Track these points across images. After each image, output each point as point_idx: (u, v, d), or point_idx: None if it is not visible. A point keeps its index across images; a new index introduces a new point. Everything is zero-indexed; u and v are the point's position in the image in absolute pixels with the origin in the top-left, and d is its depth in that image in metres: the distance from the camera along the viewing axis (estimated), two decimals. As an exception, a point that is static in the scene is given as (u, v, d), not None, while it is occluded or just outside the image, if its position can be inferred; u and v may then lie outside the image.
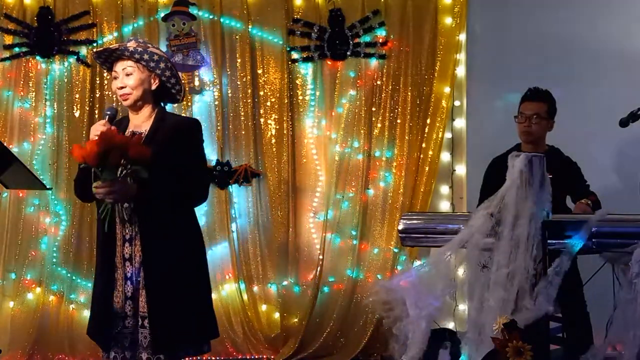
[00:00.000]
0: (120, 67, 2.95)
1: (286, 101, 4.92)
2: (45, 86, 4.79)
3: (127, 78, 2.93)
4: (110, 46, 3.00)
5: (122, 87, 2.94)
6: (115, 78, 2.97)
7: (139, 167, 2.71)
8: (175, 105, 4.78)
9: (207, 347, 3.03)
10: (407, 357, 2.12)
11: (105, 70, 3.22)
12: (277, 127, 4.95)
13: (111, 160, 2.67)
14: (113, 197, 2.74)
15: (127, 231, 2.89)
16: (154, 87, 2.98)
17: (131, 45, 2.93)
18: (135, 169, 2.72)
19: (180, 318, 2.87)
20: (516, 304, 2.10)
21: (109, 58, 3.00)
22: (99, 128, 2.83)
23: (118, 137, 2.72)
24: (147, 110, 3.00)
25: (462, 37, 5.00)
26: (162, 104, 3.07)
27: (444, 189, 5.07)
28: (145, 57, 2.92)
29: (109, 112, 2.94)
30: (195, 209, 3.12)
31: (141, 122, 3.00)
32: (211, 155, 4.90)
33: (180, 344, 2.92)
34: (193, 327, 2.93)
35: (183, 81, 4.76)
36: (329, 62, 4.98)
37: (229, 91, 4.92)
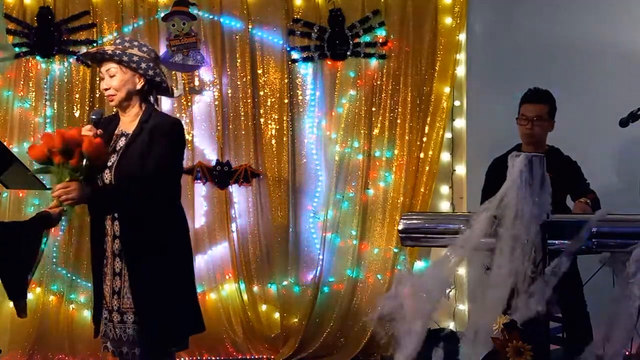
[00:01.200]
0: (104, 68, 3.01)
1: (286, 101, 4.92)
2: (45, 86, 4.79)
3: (111, 79, 2.99)
4: (89, 50, 3.06)
5: (107, 89, 3.01)
6: (102, 79, 3.05)
7: (95, 166, 2.81)
8: (176, 105, 4.83)
9: (186, 343, 3.09)
10: (402, 356, 2.12)
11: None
12: (277, 127, 4.95)
13: (71, 158, 2.74)
14: (72, 197, 2.81)
15: (116, 227, 2.97)
16: (139, 86, 3.02)
17: (109, 48, 2.99)
18: (90, 168, 2.80)
19: (167, 314, 2.93)
20: (510, 303, 2.10)
21: (93, 59, 3.08)
22: (85, 133, 2.89)
23: (77, 135, 2.78)
24: (134, 110, 3.05)
25: (462, 37, 5.00)
26: (151, 102, 3.10)
27: (444, 189, 5.07)
28: (125, 58, 2.97)
29: (94, 117, 3.01)
30: (192, 208, 3.16)
31: (129, 122, 3.06)
32: (211, 155, 4.91)
33: (169, 339, 2.99)
34: (180, 322, 2.99)
35: (183, 81, 4.82)
36: (329, 62, 4.97)
37: (229, 91, 4.92)
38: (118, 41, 3.06)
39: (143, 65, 2.98)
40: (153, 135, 2.96)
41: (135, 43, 3.05)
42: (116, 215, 2.93)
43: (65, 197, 2.79)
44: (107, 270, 3.00)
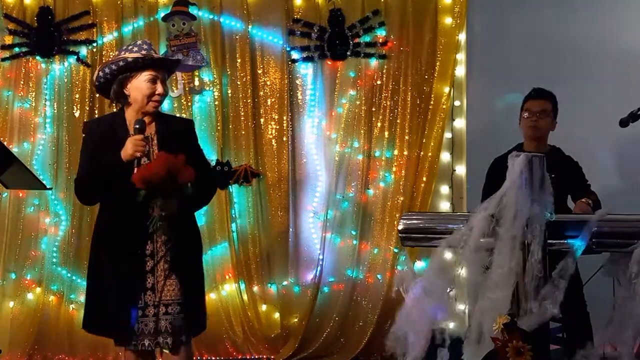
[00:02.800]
0: (160, 73, 3.09)
1: (286, 101, 4.92)
2: (45, 86, 4.79)
3: (161, 86, 3.09)
4: (170, 57, 3.15)
5: (160, 94, 3.08)
6: (154, 82, 3.07)
7: (186, 186, 2.92)
8: (176, 105, 4.84)
9: None
10: (409, 358, 2.12)
11: (113, 72, 3.12)
12: (277, 127, 4.95)
13: (169, 185, 2.89)
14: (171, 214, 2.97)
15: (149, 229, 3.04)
16: None
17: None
18: (181, 189, 2.92)
19: (197, 305, 3.18)
20: (518, 305, 2.10)
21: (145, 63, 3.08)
22: (138, 143, 2.97)
23: (174, 163, 2.89)
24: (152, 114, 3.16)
25: (462, 37, 5.00)
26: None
27: (444, 189, 5.06)
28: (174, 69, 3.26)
29: (138, 126, 3.03)
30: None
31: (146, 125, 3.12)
32: (211, 155, 4.90)
33: (202, 326, 3.24)
34: (203, 313, 3.25)
35: (183, 81, 4.82)
36: (329, 62, 4.97)
37: (229, 91, 4.92)
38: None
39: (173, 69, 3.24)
40: (184, 138, 3.15)
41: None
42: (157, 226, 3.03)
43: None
44: (136, 270, 3.06)
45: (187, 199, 2.99)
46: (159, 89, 3.07)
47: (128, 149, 2.96)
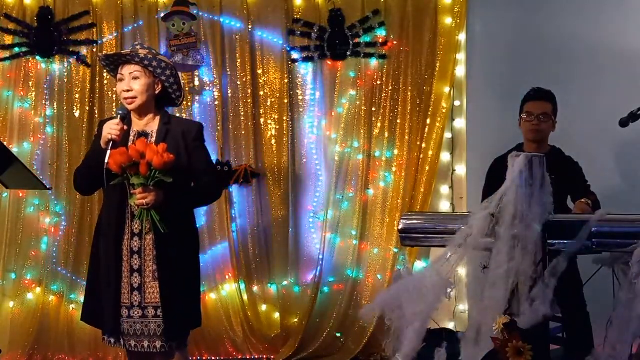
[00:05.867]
0: (127, 70, 3.07)
1: (286, 101, 4.92)
2: (45, 86, 4.79)
3: (134, 82, 3.06)
4: (122, 51, 3.15)
5: (128, 90, 3.06)
6: (121, 80, 3.09)
7: (164, 174, 2.88)
8: (176, 105, 4.83)
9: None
10: (401, 355, 2.12)
11: (107, 72, 3.31)
12: (277, 127, 4.95)
13: (139, 169, 2.85)
14: (147, 202, 2.91)
15: (135, 226, 3.03)
16: (157, 92, 3.12)
17: (142, 52, 3.07)
18: (159, 176, 2.88)
19: (188, 307, 3.09)
20: (512, 305, 2.10)
21: (116, 61, 3.12)
22: (113, 127, 2.98)
23: (145, 149, 2.87)
24: (151, 113, 3.14)
25: (462, 37, 5.00)
26: (163, 107, 3.21)
27: (444, 189, 5.06)
28: (154, 64, 3.06)
29: (120, 112, 3.06)
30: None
31: (145, 124, 3.15)
32: (211, 155, 4.89)
33: (188, 331, 3.14)
34: (196, 315, 3.17)
35: (183, 81, 4.81)
36: (329, 62, 4.97)
37: (229, 91, 4.92)
38: (138, 46, 3.14)
39: (167, 72, 3.10)
40: (187, 139, 3.11)
41: (153, 51, 3.17)
42: (135, 213, 3.00)
43: (140, 202, 2.91)
44: (121, 268, 3.05)
45: (173, 190, 2.94)
46: (122, 86, 3.08)
47: (103, 132, 3.00)
